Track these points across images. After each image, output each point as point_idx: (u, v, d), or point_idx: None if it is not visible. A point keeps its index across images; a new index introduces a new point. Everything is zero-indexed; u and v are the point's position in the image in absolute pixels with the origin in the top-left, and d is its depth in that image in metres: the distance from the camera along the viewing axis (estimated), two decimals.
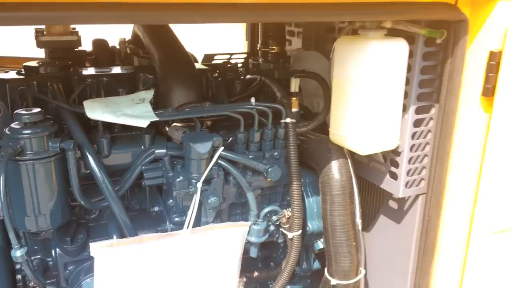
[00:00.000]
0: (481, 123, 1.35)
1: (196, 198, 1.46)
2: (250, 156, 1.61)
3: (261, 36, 2.03)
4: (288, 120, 1.60)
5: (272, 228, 1.71)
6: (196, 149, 1.43)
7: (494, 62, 1.28)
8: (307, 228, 1.73)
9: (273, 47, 2.01)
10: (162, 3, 1.03)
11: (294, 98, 1.81)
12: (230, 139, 1.63)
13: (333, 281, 1.63)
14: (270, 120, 1.60)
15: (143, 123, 1.42)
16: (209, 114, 1.53)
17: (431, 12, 1.31)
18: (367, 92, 1.43)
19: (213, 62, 2.17)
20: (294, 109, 1.79)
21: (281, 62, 2.01)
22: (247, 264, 1.92)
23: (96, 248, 1.36)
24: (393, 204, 1.78)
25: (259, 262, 1.97)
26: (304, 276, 1.94)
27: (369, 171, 1.73)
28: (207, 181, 1.51)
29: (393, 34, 1.46)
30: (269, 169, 1.56)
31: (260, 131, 1.60)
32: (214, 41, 7.15)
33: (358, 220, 1.65)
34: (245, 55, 2.30)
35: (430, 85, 1.49)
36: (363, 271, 1.66)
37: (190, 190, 1.47)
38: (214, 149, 1.49)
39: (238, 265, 1.59)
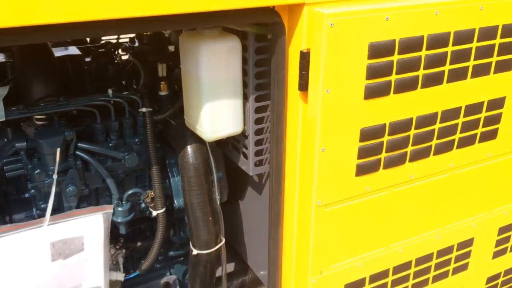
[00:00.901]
0: (300, 114, 1.52)
1: (53, 189, 1.59)
2: (111, 144, 1.73)
3: None
4: (144, 109, 1.72)
5: (143, 205, 1.87)
6: (44, 145, 1.54)
7: (304, 61, 1.43)
8: (174, 204, 1.90)
9: None
10: None
11: (162, 83, 1.92)
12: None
13: (195, 251, 1.83)
14: (127, 111, 1.72)
15: None
16: (62, 109, 1.63)
17: (253, 17, 1.41)
18: (203, 86, 1.56)
19: (89, 45, 2.22)
20: (162, 93, 1.91)
21: (156, 45, 2.09)
22: (134, 234, 2.10)
23: None
24: (256, 178, 1.96)
25: (147, 231, 2.14)
26: (182, 244, 2.13)
27: (230, 150, 1.89)
28: (65, 172, 1.63)
29: (229, 29, 1.58)
30: (126, 157, 1.69)
31: (117, 122, 1.72)
32: None
33: (217, 197, 1.83)
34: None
35: (266, 76, 1.63)
36: (223, 240, 1.86)
37: (46, 182, 1.60)
38: (69, 142, 1.61)
39: (103, 246, 1.74)
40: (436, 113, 1.65)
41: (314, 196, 1.55)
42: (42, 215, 1.66)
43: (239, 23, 1.48)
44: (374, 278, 1.84)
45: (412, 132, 1.63)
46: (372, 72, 1.45)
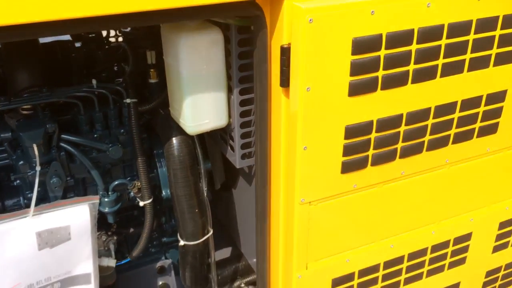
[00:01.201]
0: (282, 111, 1.46)
1: (36, 181, 1.59)
2: (96, 135, 1.72)
3: None
4: (128, 100, 1.69)
5: (132, 194, 1.87)
6: (25, 138, 1.54)
7: (284, 56, 1.36)
8: (163, 194, 1.89)
9: None
10: None
11: (151, 70, 1.89)
12: None
13: (182, 242, 1.83)
14: (111, 101, 1.69)
15: None
16: (44, 101, 1.61)
17: (233, 10, 1.35)
18: (184, 80, 1.52)
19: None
20: (152, 81, 1.87)
21: (149, 30, 2.05)
22: (128, 220, 2.11)
23: None
24: (246, 169, 1.93)
25: (141, 217, 2.15)
26: (175, 230, 2.13)
27: (219, 141, 1.86)
28: (49, 163, 1.64)
29: (212, 20, 1.52)
30: (110, 148, 1.68)
31: (102, 113, 1.70)
32: None
33: (204, 188, 1.81)
34: None
35: (250, 69, 1.57)
36: (210, 231, 1.86)
37: (29, 173, 1.60)
38: (51, 134, 1.60)
39: (91, 235, 1.75)
40: (429, 109, 1.57)
41: (297, 193, 1.52)
42: (29, 204, 1.67)
43: (218, 16, 1.42)
44: (363, 272, 1.81)
45: (403, 128, 1.56)
46: (357, 69, 1.38)
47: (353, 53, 1.36)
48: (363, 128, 1.49)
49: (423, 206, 1.79)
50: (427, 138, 1.63)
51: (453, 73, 1.54)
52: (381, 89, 1.45)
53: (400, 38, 1.40)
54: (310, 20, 1.27)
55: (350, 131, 1.48)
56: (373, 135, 1.52)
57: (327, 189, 1.56)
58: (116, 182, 1.77)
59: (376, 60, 1.40)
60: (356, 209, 1.65)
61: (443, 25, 1.44)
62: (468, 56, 1.53)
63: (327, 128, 1.44)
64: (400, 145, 1.59)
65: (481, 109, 1.67)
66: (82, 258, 1.79)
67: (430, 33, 1.43)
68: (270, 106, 1.51)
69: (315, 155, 1.47)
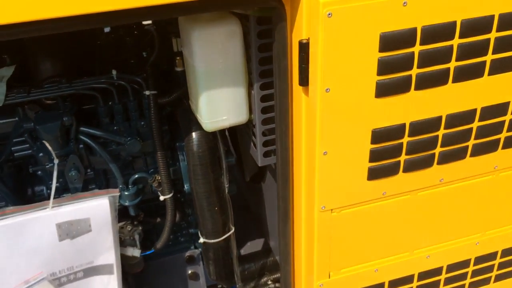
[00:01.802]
0: (303, 111, 1.33)
1: (55, 174, 1.57)
2: (115, 127, 1.67)
3: None
4: (147, 92, 1.62)
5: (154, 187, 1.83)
6: (42, 131, 1.51)
7: (303, 53, 1.22)
8: (185, 188, 1.82)
9: None
10: None
11: (178, 58, 1.79)
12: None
13: (201, 239, 1.77)
14: (130, 93, 1.63)
15: None
16: (62, 92, 1.57)
17: (254, 1, 1.23)
18: (199, 75, 1.42)
19: None
20: (178, 69, 1.79)
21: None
22: (156, 210, 2.08)
23: None
24: (272, 164, 1.82)
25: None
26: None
27: (243, 136, 1.76)
28: (68, 156, 1.61)
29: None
30: (128, 142, 1.63)
31: (121, 104, 1.64)
32: None
33: (225, 186, 1.73)
34: None
35: (271, 63, 1.43)
36: (231, 229, 1.78)
37: (47, 166, 1.59)
38: (68, 126, 1.57)
39: (111, 227, 1.73)
40: (474, 110, 1.38)
41: (317, 200, 1.39)
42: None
43: (232, 8, 1.30)
44: (394, 283, 1.67)
45: (441, 132, 1.38)
46: (385, 67, 1.22)
47: (381, 50, 1.19)
48: (394, 132, 1.33)
49: (466, 215, 1.61)
50: (471, 142, 1.44)
51: (504, 71, 1.33)
52: (415, 89, 1.28)
53: (440, 32, 1.21)
54: (329, 14, 1.12)
55: (378, 135, 1.32)
56: (406, 140, 1.36)
57: (352, 196, 1.42)
58: (136, 176, 1.73)
59: (409, 57, 1.22)
60: (386, 217, 1.50)
61: (492, 16, 1.23)
62: None
63: (350, 132, 1.30)
64: (438, 150, 1.41)
65: None
66: (104, 249, 1.77)
67: (476, 26, 1.23)
68: (291, 104, 1.39)
69: (337, 161, 1.33)
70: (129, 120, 1.68)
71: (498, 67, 1.32)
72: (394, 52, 1.20)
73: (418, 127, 1.35)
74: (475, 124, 1.41)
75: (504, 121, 1.43)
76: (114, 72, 1.61)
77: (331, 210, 1.42)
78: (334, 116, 1.26)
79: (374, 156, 1.35)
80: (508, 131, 1.45)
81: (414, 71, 1.25)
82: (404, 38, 1.19)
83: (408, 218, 1.53)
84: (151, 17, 1.28)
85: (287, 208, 1.57)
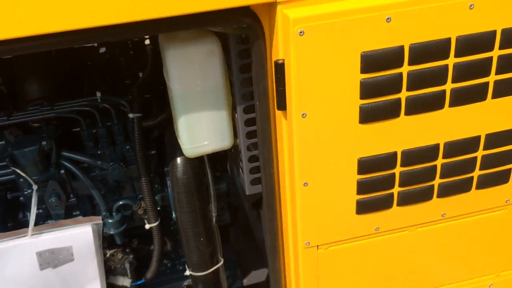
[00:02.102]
0: (285, 137, 1.22)
1: (33, 200, 1.51)
2: (99, 152, 1.60)
3: None
4: (131, 115, 1.55)
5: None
6: (19, 156, 1.45)
7: (279, 74, 1.12)
8: (173, 216, 1.73)
9: None
10: None
11: None
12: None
13: (187, 272, 1.66)
14: (114, 116, 1.56)
15: None
16: (42, 116, 1.51)
17: (218, 19, 1.13)
18: (176, 97, 1.33)
19: None
20: None
21: None
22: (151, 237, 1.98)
23: None
24: None
25: None
26: None
27: (233, 164, 1.66)
28: (48, 181, 1.55)
29: None
30: (110, 168, 1.55)
31: (104, 128, 1.57)
32: None
33: (213, 214, 1.62)
34: None
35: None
36: (220, 261, 1.66)
37: (25, 192, 1.53)
38: (48, 151, 1.51)
39: (95, 256, 1.65)
40: (478, 137, 1.23)
41: (300, 236, 1.27)
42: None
43: (203, 27, 1.21)
44: None
45: (440, 161, 1.24)
46: (369, 90, 1.10)
47: (364, 71, 1.07)
48: (384, 162, 1.20)
49: (475, 254, 1.44)
50: (476, 173, 1.29)
51: (508, 94, 1.19)
52: (406, 114, 1.15)
53: (431, 50, 1.09)
54: (301, 32, 1.01)
55: (365, 165, 1.19)
56: (398, 170, 1.22)
57: (340, 232, 1.29)
58: (120, 203, 1.65)
59: (397, 79, 1.10)
60: (380, 255, 1.36)
61: (494, 32, 1.10)
62: None
63: (333, 161, 1.17)
64: (437, 181, 1.27)
65: None
66: (88, 278, 1.69)
67: (474, 43, 1.10)
68: (275, 129, 1.28)
69: (320, 193, 1.21)
70: (114, 144, 1.61)
71: (502, 90, 1.17)
72: (379, 73, 1.08)
73: (412, 156, 1.21)
74: (480, 153, 1.26)
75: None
76: (98, 94, 1.54)
77: (317, 246, 1.29)
78: (313, 144, 1.14)
79: (363, 187, 1.22)
80: (510, 161, 1.30)
81: (403, 94, 1.12)
82: (389, 58, 1.07)
83: (406, 256, 1.38)
84: (117, 36, 1.20)
85: (275, 243, 1.45)
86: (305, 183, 1.19)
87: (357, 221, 1.27)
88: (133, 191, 1.71)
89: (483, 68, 1.13)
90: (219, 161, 1.75)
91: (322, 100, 1.09)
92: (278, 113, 1.22)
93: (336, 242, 1.30)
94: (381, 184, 1.23)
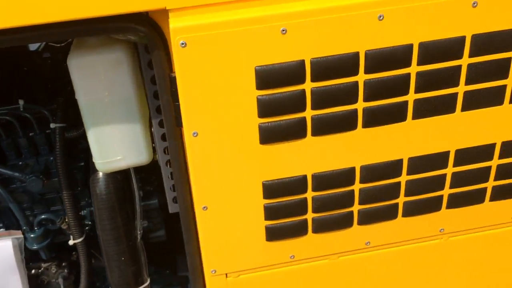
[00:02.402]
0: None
1: None
2: (21, 163, 1.52)
3: None
4: (52, 125, 1.46)
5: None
6: None
7: (173, 88, 1.03)
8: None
9: None
10: None
11: None
12: None
13: None
14: (36, 126, 1.48)
15: None
16: None
17: (118, 27, 1.05)
18: (83, 109, 1.24)
19: None
20: None
21: None
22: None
23: None
24: None
25: None
26: None
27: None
28: None
29: None
30: (28, 180, 1.47)
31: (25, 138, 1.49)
32: None
33: (138, 232, 1.53)
34: None
35: None
36: (146, 281, 1.57)
37: None
38: None
39: (18, 271, 1.57)
40: (400, 161, 1.13)
41: (205, 262, 1.17)
42: None
43: (93, 35, 1.12)
44: None
45: (357, 186, 1.13)
46: (268, 108, 1.00)
47: (260, 87, 0.98)
48: (292, 185, 1.10)
49: (404, 286, 1.33)
50: (401, 200, 1.18)
51: (439, 112, 1.08)
52: (313, 134, 1.04)
53: (337, 65, 0.99)
54: (183, 43, 0.92)
55: (271, 189, 1.09)
56: (310, 195, 1.12)
57: (250, 259, 1.19)
58: (41, 217, 1.57)
59: (299, 96, 1.00)
60: (297, 284, 1.25)
61: (410, 46, 0.99)
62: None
63: (234, 185, 1.08)
64: (356, 208, 1.16)
65: None
66: None
67: (388, 57, 1.00)
68: (183, 146, 1.18)
69: (221, 218, 1.11)
70: (38, 155, 1.53)
71: (422, 111, 1.07)
72: (277, 89, 0.99)
73: (325, 180, 1.11)
74: (403, 178, 1.15)
75: (442, 175, 1.17)
76: (21, 102, 1.47)
77: (226, 274, 1.19)
78: (208, 165, 1.04)
79: (270, 213, 1.12)
80: (439, 187, 1.18)
81: (308, 113, 1.02)
82: (287, 73, 0.97)
83: (325, 287, 1.27)
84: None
85: (193, 265, 1.35)
86: (204, 207, 1.09)
87: (268, 248, 1.17)
88: (61, 205, 1.63)
89: (396, 86, 1.03)
90: (154, 174, 1.67)
91: (214, 118, 1.00)
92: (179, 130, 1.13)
93: (247, 270, 1.20)
94: (291, 210, 1.13)
